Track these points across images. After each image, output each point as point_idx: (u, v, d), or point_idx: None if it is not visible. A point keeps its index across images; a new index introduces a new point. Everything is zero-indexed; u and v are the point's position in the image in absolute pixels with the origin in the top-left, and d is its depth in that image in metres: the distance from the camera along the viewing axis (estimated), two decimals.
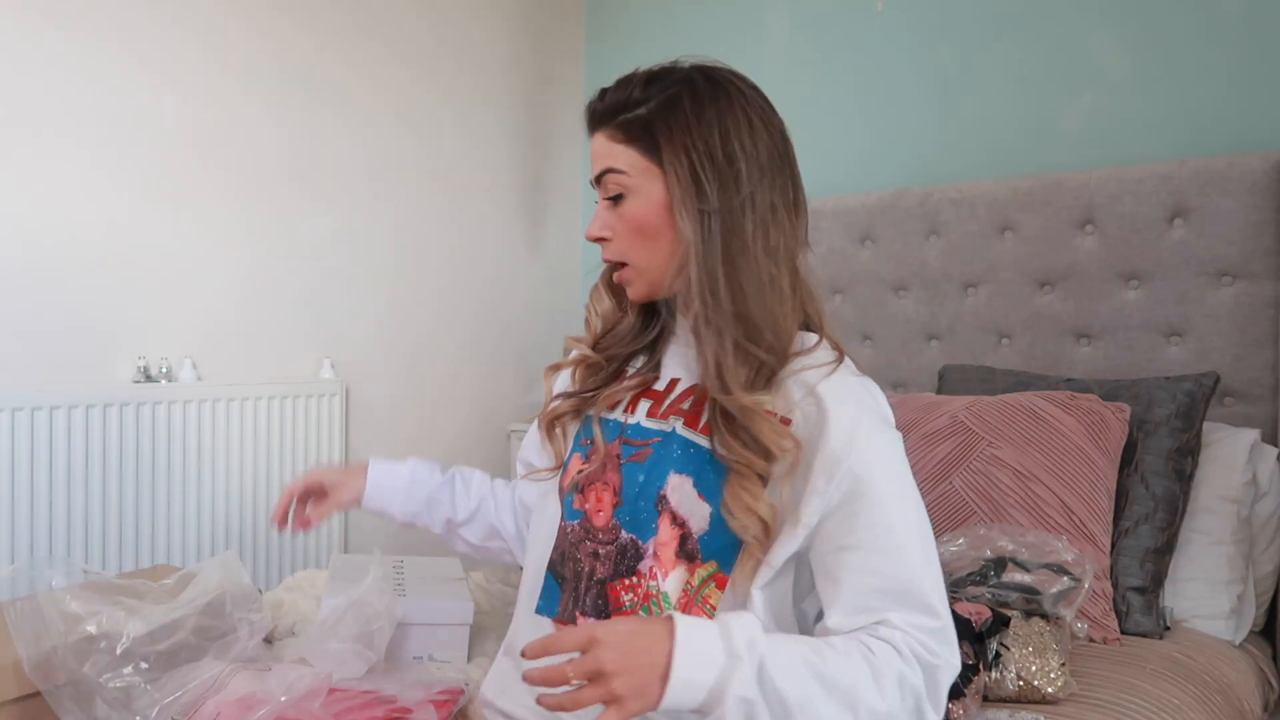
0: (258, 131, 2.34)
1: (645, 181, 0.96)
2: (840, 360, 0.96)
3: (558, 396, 1.09)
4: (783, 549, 0.91)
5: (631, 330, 1.07)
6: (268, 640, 1.30)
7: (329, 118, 2.48)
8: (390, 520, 1.24)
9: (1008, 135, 2.24)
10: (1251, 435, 1.75)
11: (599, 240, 1.01)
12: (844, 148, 2.52)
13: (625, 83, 0.98)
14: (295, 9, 2.40)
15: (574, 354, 1.11)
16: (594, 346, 1.08)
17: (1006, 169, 2.22)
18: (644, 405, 1.02)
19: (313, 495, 1.23)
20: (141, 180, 2.14)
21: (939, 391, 2.11)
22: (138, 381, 2.13)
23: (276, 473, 2.36)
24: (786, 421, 0.92)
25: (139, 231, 2.14)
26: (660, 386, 1.03)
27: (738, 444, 0.90)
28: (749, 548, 0.90)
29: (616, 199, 0.98)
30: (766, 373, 0.93)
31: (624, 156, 0.96)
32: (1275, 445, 1.79)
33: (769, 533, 0.89)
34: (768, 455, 0.89)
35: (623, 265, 1.00)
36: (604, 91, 1.00)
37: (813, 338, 0.98)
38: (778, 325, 0.94)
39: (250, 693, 0.95)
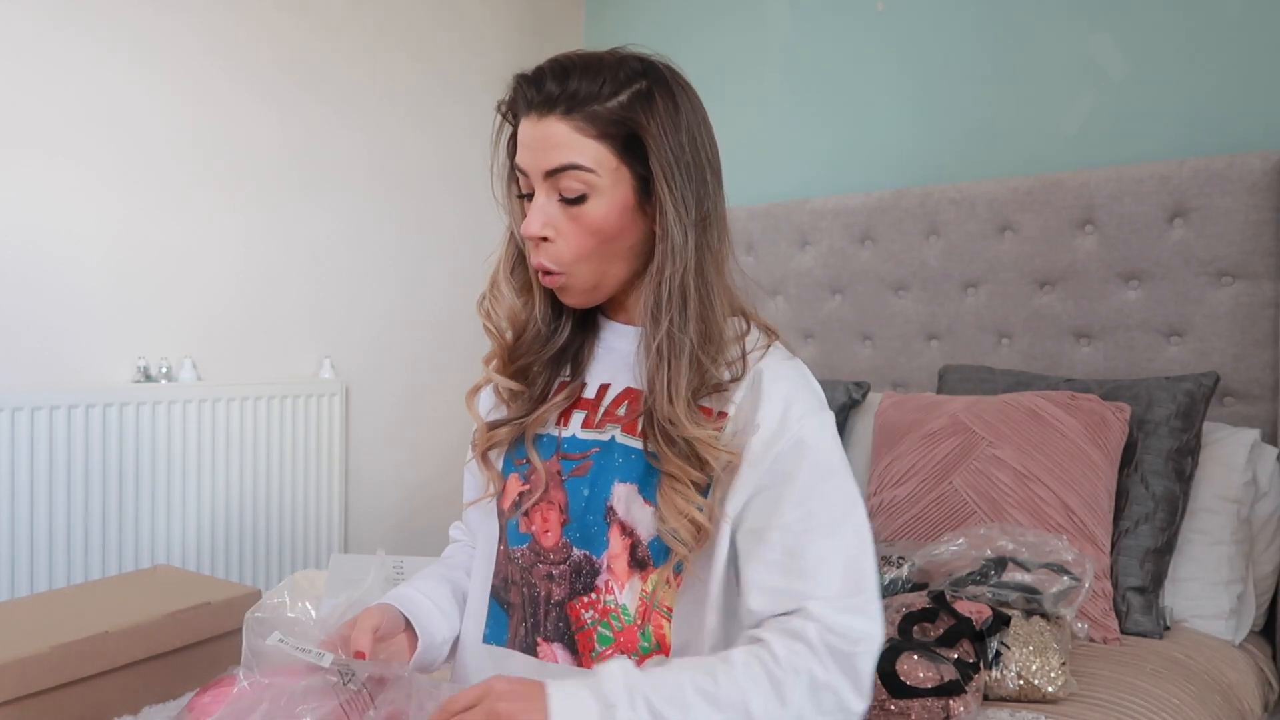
0: (258, 131, 2.34)
1: (612, 182, 0.88)
2: (769, 344, 0.94)
3: (492, 424, 1.01)
4: (720, 547, 0.89)
5: (540, 337, 0.99)
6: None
7: (329, 116, 2.48)
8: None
9: (1008, 135, 2.24)
10: (1251, 435, 1.75)
11: (539, 240, 0.90)
12: (844, 148, 2.52)
13: (585, 69, 0.88)
14: (294, 6, 2.40)
15: (491, 370, 1.02)
16: (507, 361, 1.00)
17: (1006, 169, 2.23)
18: (577, 416, 0.98)
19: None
20: (141, 180, 2.14)
21: (939, 391, 2.11)
22: (138, 381, 2.13)
23: (276, 473, 2.36)
24: (723, 415, 0.91)
25: (139, 231, 2.14)
26: (590, 394, 0.99)
27: (674, 452, 0.88)
28: (674, 552, 0.88)
29: (577, 200, 0.88)
30: (712, 381, 0.91)
31: (592, 152, 0.87)
32: (1275, 445, 1.79)
33: (701, 536, 0.88)
34: (704, 466, 0.88)
35: (557, 273, 0.91)
36: (553, 74, 0.88)
37: (742, 324, 0.96)
38: (726, 334, 0.92)
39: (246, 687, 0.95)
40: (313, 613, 0.91)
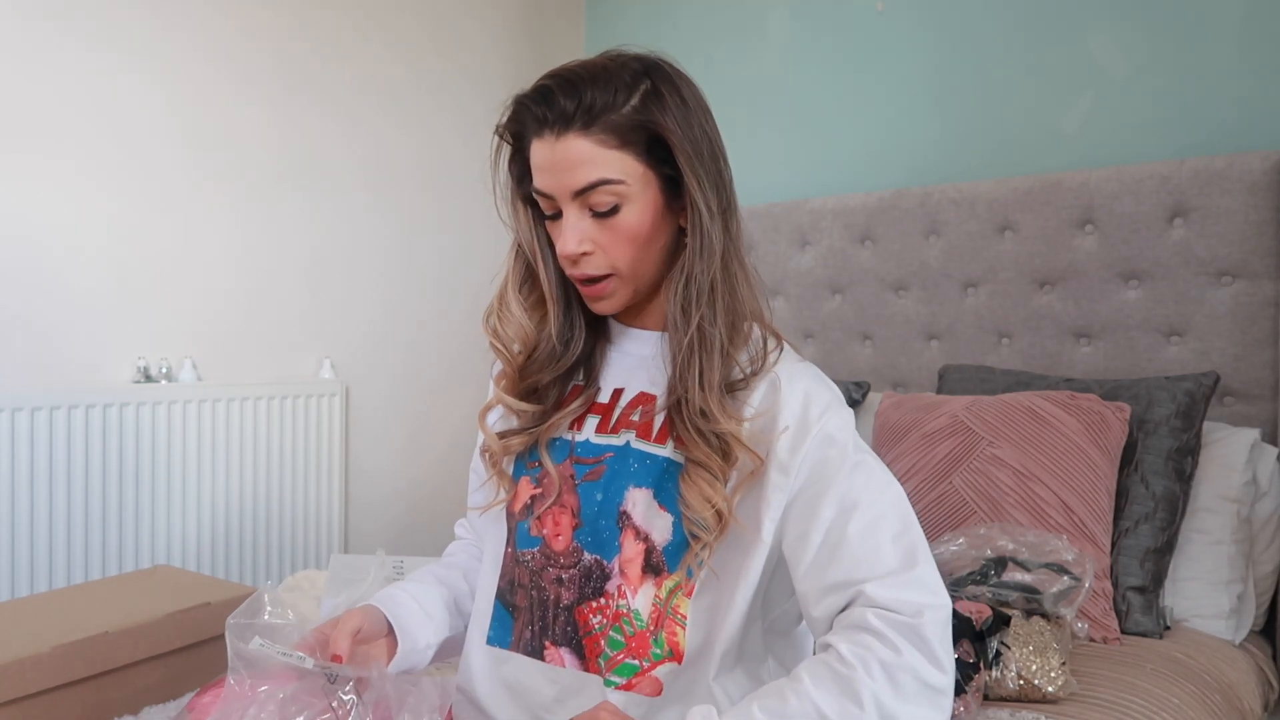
0: (257, 132, 2.34)
1: (641, 188, 0.88)
2: (780, 348, 0.95)
3: (504, 433, 1.01)
4: (751, 564, 0.89)
5: (554, 354, 0.97)
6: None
7: (329, 118, 2.48)
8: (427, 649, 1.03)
9: (1008, 135, 2.24)
10: (1251, 435, 1.75)
11: (578, 256, 0.90)
12: (844, 148, 2.52)
13: (593, 79, 0.87)
14: (290, 10, 2.40)
15: (500, 390, 1.00)
16: (517, 380, 0.98)
17: (1006, 169, 2.23)
18: (591, 421, 0.97)
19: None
20: (142, 181, 2.14)
21: (939, 391, 2.11)
22: (138, 381, 2.13)
23: (276, 473, 2.36)
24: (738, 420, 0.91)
25: (138, 232, 2.14)
26: (604, 399, 0.98)
27: (702, 442, 0.88)
28: (694, 545, 0.88)
29: (610, 212, 0.88)
30: (734, 377, 0.91)
31: (618, 164, 0.87)
32: (1275, 445, 1.79)
33: (721, 525, 0.87)
34: (728, 457, 0.88)
35: (603, 278, 0.91)
36: (561, 89, 0.86)
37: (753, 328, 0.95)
38: (747, 326, 0.93)
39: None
40: (292, 615, 0.91)
